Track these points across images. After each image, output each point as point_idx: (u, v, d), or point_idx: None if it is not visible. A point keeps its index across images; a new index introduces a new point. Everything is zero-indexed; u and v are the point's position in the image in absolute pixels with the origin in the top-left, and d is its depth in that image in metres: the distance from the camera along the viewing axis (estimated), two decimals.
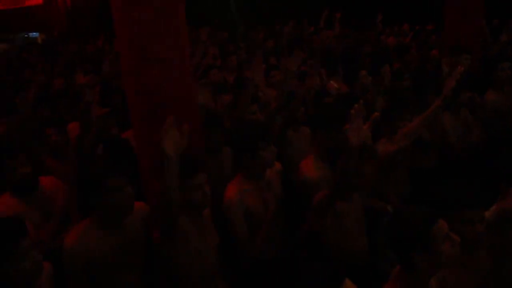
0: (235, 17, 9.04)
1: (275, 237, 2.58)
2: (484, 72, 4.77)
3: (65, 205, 2.93)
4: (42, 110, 4.25)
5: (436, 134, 3.57)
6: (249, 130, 2.56)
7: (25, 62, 8.00)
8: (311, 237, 2.65)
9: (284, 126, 3.61)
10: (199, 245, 2.34)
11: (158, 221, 2.23)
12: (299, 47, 6.86)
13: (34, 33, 18.20)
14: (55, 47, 10.29)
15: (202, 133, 2.90)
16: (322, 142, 2.76)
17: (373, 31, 7.95)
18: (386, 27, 8.13)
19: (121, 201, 2.11)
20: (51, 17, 15.86)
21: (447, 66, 4.59)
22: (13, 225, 1.83)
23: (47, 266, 2.04)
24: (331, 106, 3.04)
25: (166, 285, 2.33)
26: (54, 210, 2.87)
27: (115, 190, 2.08)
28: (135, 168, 2.72)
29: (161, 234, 2.24)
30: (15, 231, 1.81)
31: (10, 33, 15.66)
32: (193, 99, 2.75)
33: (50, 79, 6.05)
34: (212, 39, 7.54)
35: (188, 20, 2.69)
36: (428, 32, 7.88)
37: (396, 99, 3.39)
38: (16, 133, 3.53)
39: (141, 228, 2.30)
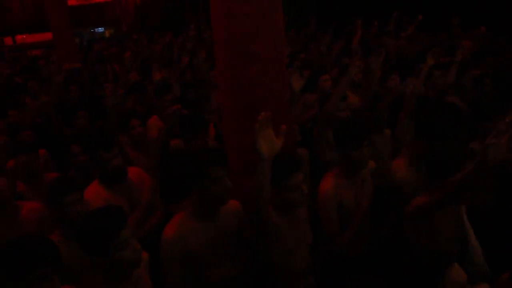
0: (303, 17, 8.96)
1: (363, 234, 2.56)
2: None
3: (150, 196, 2.98)
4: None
5: None
6: (356, 128, 2.55)
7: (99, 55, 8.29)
8: (397, 238, 2.57)
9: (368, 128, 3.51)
10: (292, 242, 2.34)
11: (250, 218, 2.23)
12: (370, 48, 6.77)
13: (100, 29, 18.99)
14: (123, 42, 10.64)
15: (295, 132, 2.86)
16: (420, 149, 2.66)
17: (447, 34, 7.63)
18: (464, 30, 7.75)
19: (221, 190, 2.14)
20: (120, 12, 16.43)
21: None
22: (114, 214, 1.85)
23: (144, 255, 2.06)
24: (435, 115, 2.85)
25: (259, 280, 2.33)
26: (140, 200, 2.93)
27: (217, 179, 2.11)
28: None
29: (255, 231, 2.23)
30: (117, 220, 1.82)
31: (80, 28, 16.37)
32: (286, 97, 2.70)
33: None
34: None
35: None
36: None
37: (480, 106, 3.22)
38: (107, 125, 3.62)
39: (234, 222, 2.32)
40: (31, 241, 1.79)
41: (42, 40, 15.61)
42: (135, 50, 8.47)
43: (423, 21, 7.34)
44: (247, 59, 2.47)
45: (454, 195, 2.15)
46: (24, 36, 16.79)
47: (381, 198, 2.66)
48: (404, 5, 8.37)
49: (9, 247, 1.76)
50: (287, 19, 5.07)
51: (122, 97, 3.77)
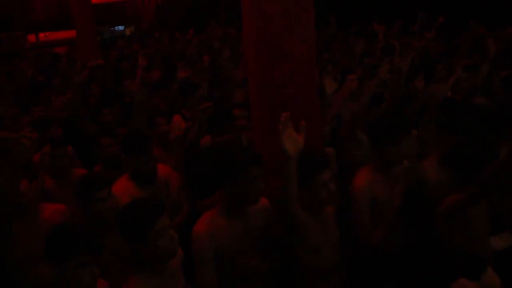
0: (325, 16, 8.92)
1: (396, 231, 2.54)
2: None
3: (178, 192, 2.99)
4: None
5: None
6: (390, 123, 2.54)
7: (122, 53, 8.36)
8: (428, 239, 2.57)
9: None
10: (319, 241, 2.34)
11: (279, 217, 2.24)
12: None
13: (120, 27, 19.18)
14: (143, 40, 10.71)
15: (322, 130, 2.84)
16: (448, 147, 2.65)
17: (471, 35, 7.49)
18: (490, 30, 7.60)
19: (254, 191, 2.15)
20: (142, 10, 16.58)
21: None
22: (153, 204, 1.92)
23: (179, 251, 2.11)
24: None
25: (287, 278, 2.34)
26: (167, 197, 2.94)
27: (252, 180, 2.11)
28: None
29: (283, 229, 2.25)
30: (155, 209, 1.89)
31: (101, 26, 16.56)
32: (316, 97, 2.68)
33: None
34: None
35: None
36: None
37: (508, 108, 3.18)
38: (133, 122, 3.64)
39: (262, 220, 2.33)
40: (73, 228, 1.86)
41: (64, 38, 15.82)
42: (157, 48, 8.52)
43: (445, 22, 7.26)
44: (278, 58, 2.46)
45: (487, 187, 2.12)
46: (47, 34, 17.04)
47: (412, 198, 2.66)
48: (422, 4, 8.27)
49: (52, 233, 1.85)
50: None
51: (148, 95, 3.80)
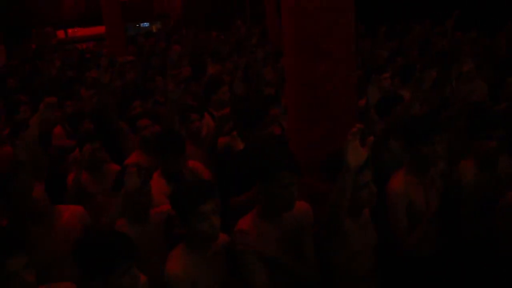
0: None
1: (432, 235, 2.52)
2: None
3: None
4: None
5: None
6: (426, 123, 2.52)
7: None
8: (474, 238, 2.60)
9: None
10: (358, 245, 2.29)
11: (323, 222, 2.19)
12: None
13: (145, 23, 19.34)
14: (170, 36, 10.78)
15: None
16: (481, 148, 2.66)
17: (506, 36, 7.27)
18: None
19: (286, 197, 2.08)
20: (168, 6, 16.70)
21: None
22: (199, 189, 2.02)
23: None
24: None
25: (323, 282, 2.29)
26: None
27: (285, 186, 2.05)
28: None
29: (325, 234, 2.21)
30: (199, 195, 1.99)
31: (128, 23, 16.72)
32: (353, 96, 2.65)
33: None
34: None
35: None
36: None
37: None
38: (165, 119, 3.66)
39: (300, 223, 2.24)
40: (110, 237, 1.83)
41: (92, 34, 16.05)
42: (186, 45, 8.54)
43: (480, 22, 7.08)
44: (318, 57, 2.44)
45: None
46: (76, 29, 17.30)
47: (450, 200, 2.61)
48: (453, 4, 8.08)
49: (87, 247, 1.79)
50: None
51: (182, 91, 3.80)
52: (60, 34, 16.91)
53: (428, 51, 6.05)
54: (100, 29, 13.18)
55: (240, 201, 2.74)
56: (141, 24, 19.08)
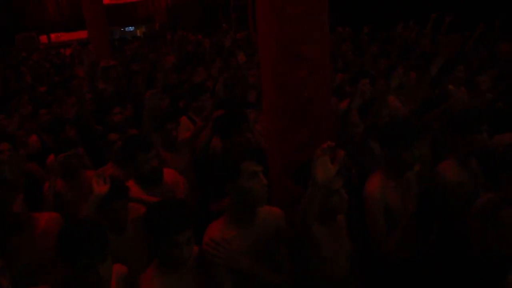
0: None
1: (410, 237, 2.51)
2: None
3: (184, 198, 2.96)
4: None
5: None
6: (404, 129, 2.52)
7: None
8: (451, 240, 2.62)
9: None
10: (330, 251, 2.29)
11: (292, 229, 2.18)
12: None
13: (130, 28, 19.27)
14: (155, 40, 10.75)
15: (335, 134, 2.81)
16: (462, 147, 2.71)
17: (489, 37, 7.37)
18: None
19: (256, 187, 2.06)
20: (153, 11, 16.64)
21: None
22: (183, 211, 1.97)
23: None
24: (468, 112, 2.88)
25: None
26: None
27: (251, 175, 2.05)
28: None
29: (295, 241, 2.20)
30: (184, 218, 1.94)
31: (113, 27, 16.63)
32: (330, 100, 2.65)
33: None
34: None
35: None
36: None
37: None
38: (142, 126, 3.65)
39: (274, 229, 2.23)
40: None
41: (76, 39, 15.92)
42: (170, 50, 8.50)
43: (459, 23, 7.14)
44: (294, 61, 2.42)
45: None
46: (59, 35, 17.15)
47: (429, 201, 2.62)
48: (434, 5, 8.16)
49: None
50: None
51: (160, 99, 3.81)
52: (43, 39, 16.76)
53: (410, 53, 6.09)
54: (84, 34, 13.08)
55: (219, 206, 2.73)
56: (126, 28, 19.01)
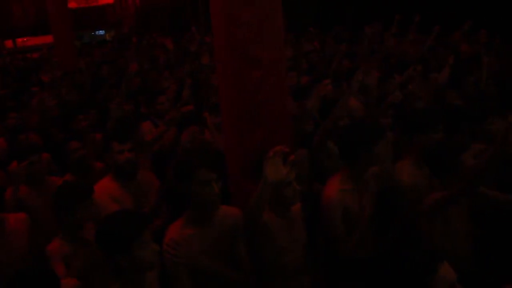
0: (303, 20, 9.01)
1: (368, 237, 2.59)
2: None
3: (157, 199, 2.99)
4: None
5: None
6: (366, 131, 2.55)
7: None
8: (407, 239, 2.64)
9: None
10: (284, 241, 2.36)
11: (244, 222, 2.27)
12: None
13: (100, 31, 19.03)
14: (125, 44, 10.66)
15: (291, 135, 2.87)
16: (419, 148, 2.73)
17: (454, 38, 7.58)
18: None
19: (208, 195, 2.11)
20: (121, 14, 16.48)
21: None
22: (137, 216, 1.95)
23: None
24: (425, 111, 2.96)
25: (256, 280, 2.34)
26: (147, 202, 2.95)
27: (203, 183, 2.09)
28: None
29: (245, 230, 2.27)
30: (141, 221, 1.91)
31: (80, 31, 16.40)
32: (285, 102, 2.72)
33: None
34: None
35: None
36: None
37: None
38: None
39: (232, 227, 2.29)
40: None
41: (42, 43, 15.62)
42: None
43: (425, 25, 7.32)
44: (248, 64, 2.49)
45: (469, 186, 2.21)
46: (25, 39, 16.80)
47: (385, 202, 2.70)
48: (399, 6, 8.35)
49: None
50: (287, 23, 5.05)
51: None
52: (9, 44, 16.39)
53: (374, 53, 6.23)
54: (51, 38, 12.86)
55: (153, 226, 2.74)
56: (97, 32, 18.77)
